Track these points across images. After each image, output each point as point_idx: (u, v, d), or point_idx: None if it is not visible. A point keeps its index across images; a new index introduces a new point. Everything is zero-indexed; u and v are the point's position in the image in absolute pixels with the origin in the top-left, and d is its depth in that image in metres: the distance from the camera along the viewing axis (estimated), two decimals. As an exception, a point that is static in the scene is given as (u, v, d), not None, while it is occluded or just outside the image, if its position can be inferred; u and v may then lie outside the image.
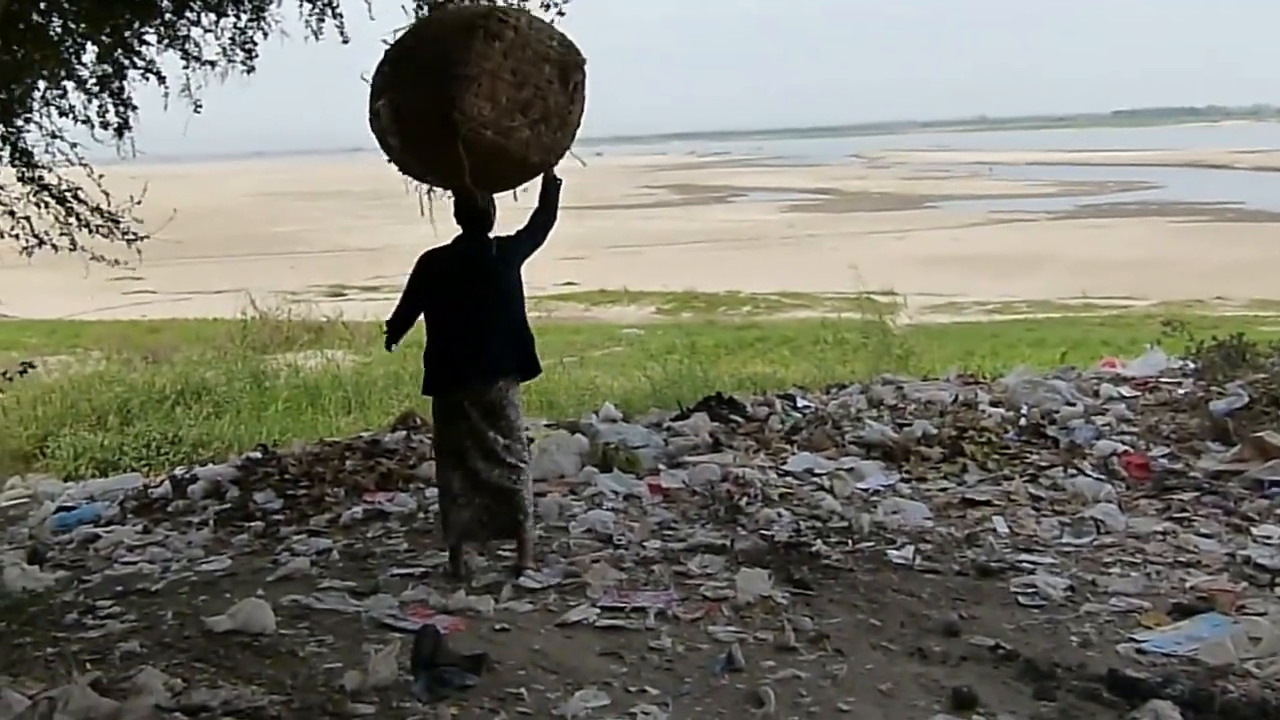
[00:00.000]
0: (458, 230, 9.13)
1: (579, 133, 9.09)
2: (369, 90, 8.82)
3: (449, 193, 9.23)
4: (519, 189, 9.30)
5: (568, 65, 8.71)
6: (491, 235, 9.10)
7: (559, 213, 9.33)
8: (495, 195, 9.14)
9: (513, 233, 9.21)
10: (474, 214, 9.00)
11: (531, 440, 12.12)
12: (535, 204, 9.28)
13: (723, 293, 48.50)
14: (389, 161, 9.01)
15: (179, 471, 14.28)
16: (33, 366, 13.88)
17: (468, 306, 9.01)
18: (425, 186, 9.53)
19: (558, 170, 9.19)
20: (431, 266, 9.15)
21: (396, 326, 9.32)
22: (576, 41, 8.91)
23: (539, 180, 9.19)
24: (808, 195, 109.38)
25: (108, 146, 12.97)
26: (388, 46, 9.00)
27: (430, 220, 9.48)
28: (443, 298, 9.09)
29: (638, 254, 64.19)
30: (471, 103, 8.17)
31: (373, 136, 8.98)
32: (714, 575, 8.82)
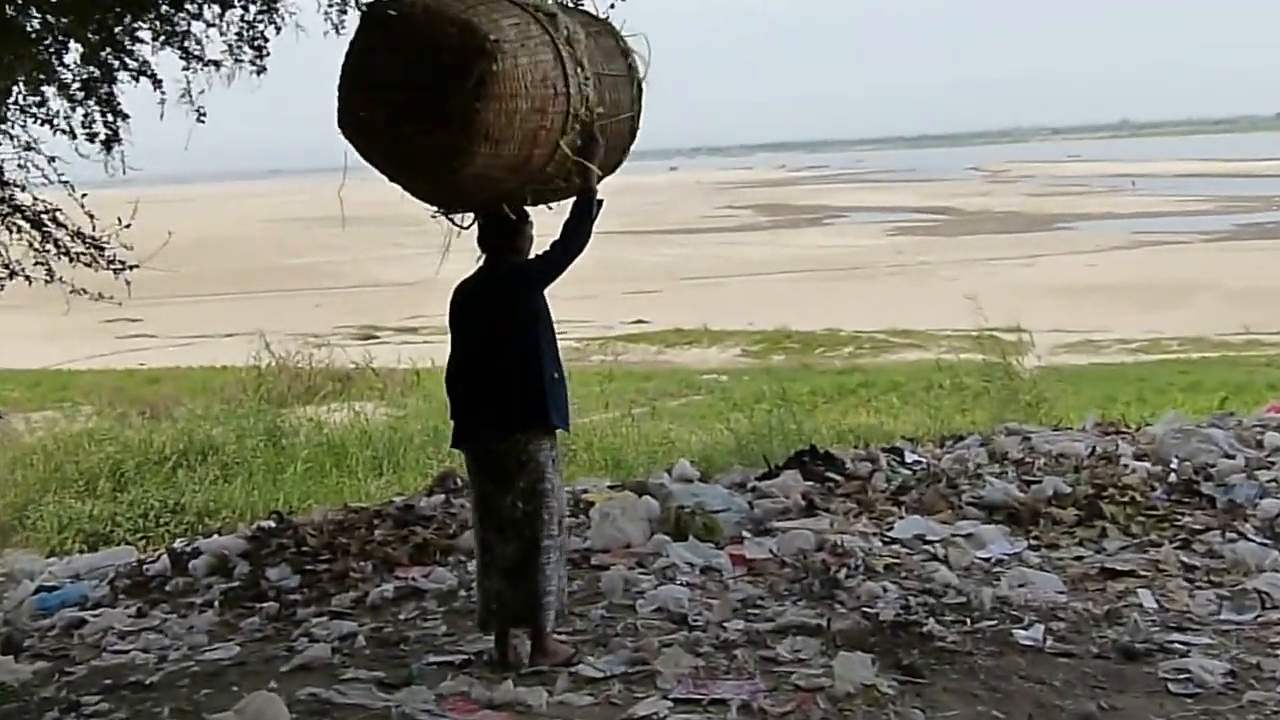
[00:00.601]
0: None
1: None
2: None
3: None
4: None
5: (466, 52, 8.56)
6: (519, 259, 9.07)
7: (591, 230, 9.07)
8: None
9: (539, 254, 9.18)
10: (495, 232, 9.07)
11: (591, 504, 12.16)
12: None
13: (820, 331, 48.57)
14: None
15: (179, 544, 14.32)
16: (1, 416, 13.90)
17: (479, 343, 9.07)
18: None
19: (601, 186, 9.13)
20: (454, 298, 9.19)
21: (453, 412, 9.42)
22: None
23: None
24: (919, 215, 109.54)
25: (94, 163, 12.97)
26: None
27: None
28: (460, 334, 9.13)
29: (719, 286, 64.31)
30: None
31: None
32: (807, 661, 8.76)
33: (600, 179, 8.93)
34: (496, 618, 9.01)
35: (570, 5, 9.59)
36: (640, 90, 9.08)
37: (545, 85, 8.35)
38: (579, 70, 8.51)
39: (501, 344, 8.93)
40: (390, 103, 8.47)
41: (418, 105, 8.33)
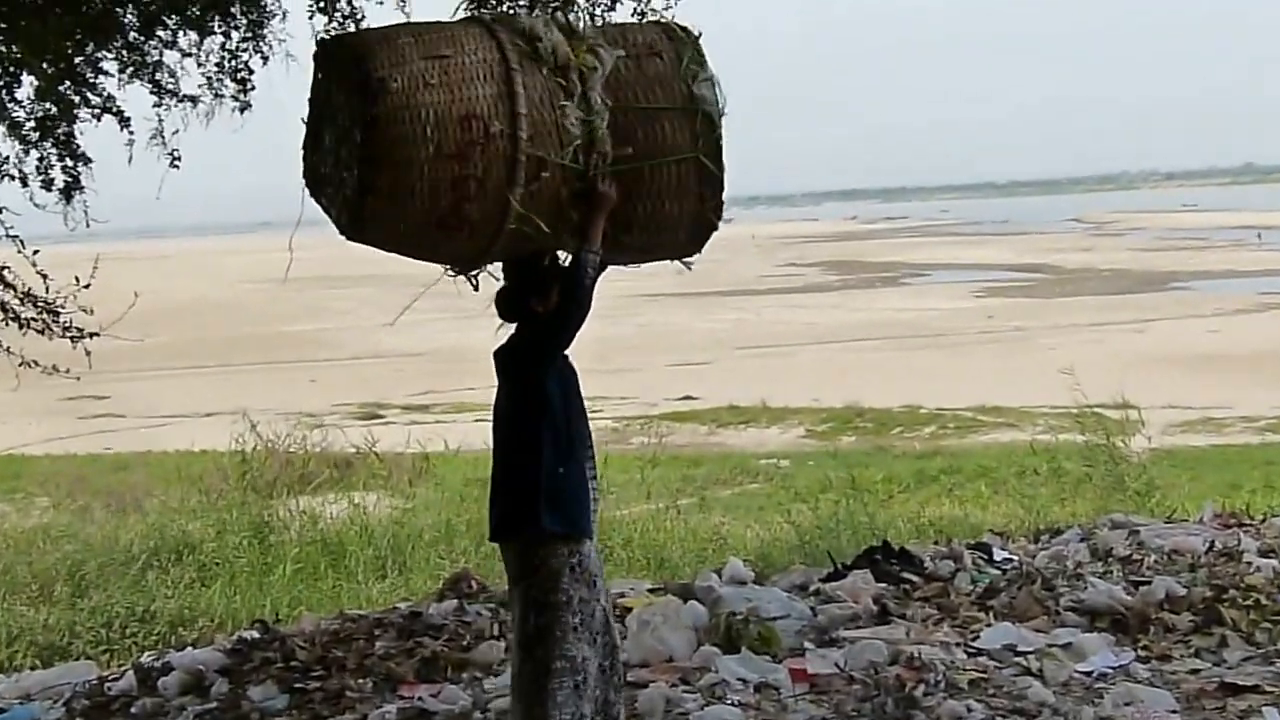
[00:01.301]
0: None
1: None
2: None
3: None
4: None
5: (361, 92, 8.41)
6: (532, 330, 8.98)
7: (583, 304, 8.65)
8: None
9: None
10: (508, 292, 8.98)
11: (628, 611, 12.12)
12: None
13: (896, 409, 48.59)
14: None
15: (148, 659, 14.28)
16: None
17: (494, 426, 9.03)
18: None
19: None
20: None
21: None
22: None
23: None
24: (1012, 274, 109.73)
25: (52, 214, 12.96)
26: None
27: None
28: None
29: (780, 357, 64.41)
30: None
31: None
32: (880, 792, 8.74)
33: (665, 243, 8.83)
34: None
35: (592, 22, 9.54)
36: (711, 124, 8.43)
37: (468, 127, 8.11)
38: (555, 107, 8.20)
39: (502, 429, 8.88)
40: (327, 149, 8.56)
41: (336, 151, 8.41)
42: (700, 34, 8.69)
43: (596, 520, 8.96)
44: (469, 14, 10.21)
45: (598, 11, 12.06)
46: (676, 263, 9.07)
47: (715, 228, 8.66)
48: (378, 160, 8.07)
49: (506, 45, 8.27)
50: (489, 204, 8.17)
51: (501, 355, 8.82)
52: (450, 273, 9.04)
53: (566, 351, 8.81)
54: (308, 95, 8.78)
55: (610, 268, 8.96)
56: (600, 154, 8.21)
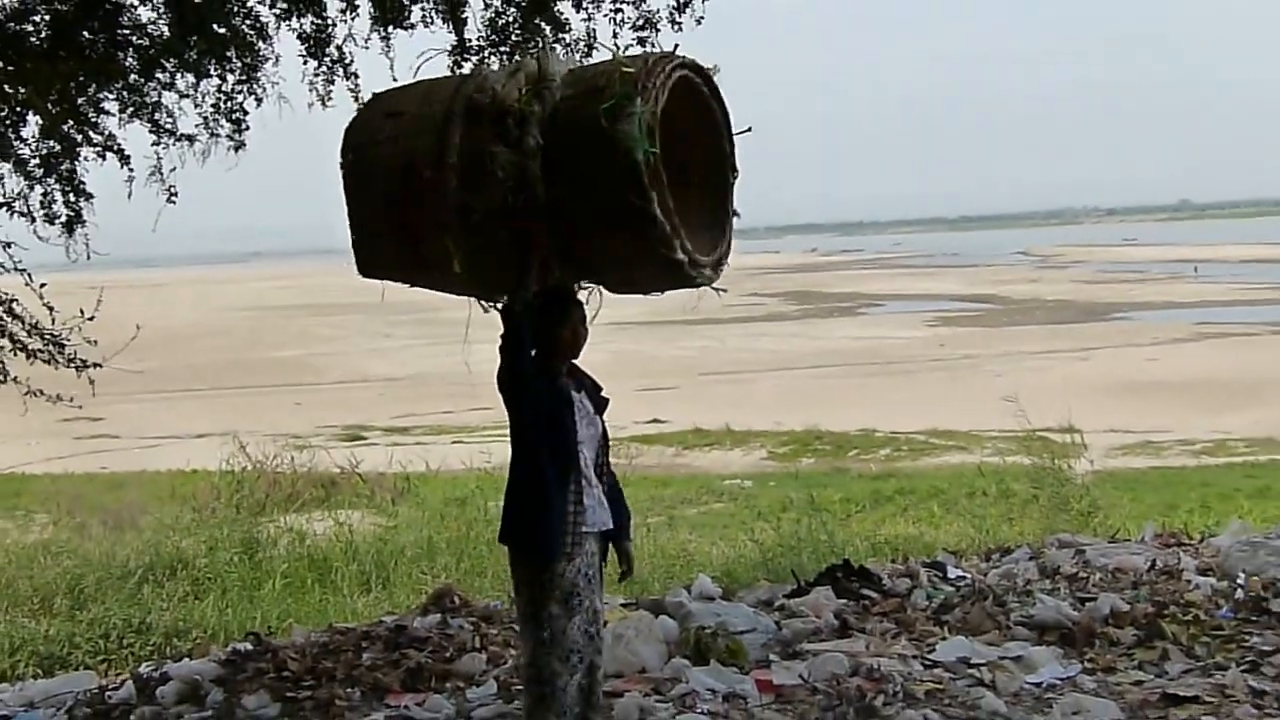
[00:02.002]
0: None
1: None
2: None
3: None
4: None
5: None
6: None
7: (506, 354, 8.65)
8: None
9: None
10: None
11: (605, 623, 12.12)
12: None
13: (853, 432, 48.65)
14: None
15: (145, 669, 14.25)
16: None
17: None
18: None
19: None
20: None
21: None
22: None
23: None
24: (962, 305, 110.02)
25: (54, 247, 12.94)
26: None
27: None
28: None
29: (743, 383, 64.50)
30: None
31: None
32: (842, 798, 8.77)
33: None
34: None
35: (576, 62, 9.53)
36: (628, 159, 7.82)
37: (408, 177, 8.27)
38: (491, 152, 8.08)
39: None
40: None
41: None
42: (645, 69, 8.06)
43: (588, 539, 8.85)
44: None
45: (577, 55, 12.10)
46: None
47: (681, 264, 8.14)
48: (351, 209, 8.48)
49: (457, 97, 8.32)
50: (440, 246, 8.23)
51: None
52: (484, 306, 9.03)
53: (563, 382, 8.83)
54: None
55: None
56: (532, 195, 8.07)
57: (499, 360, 8.55)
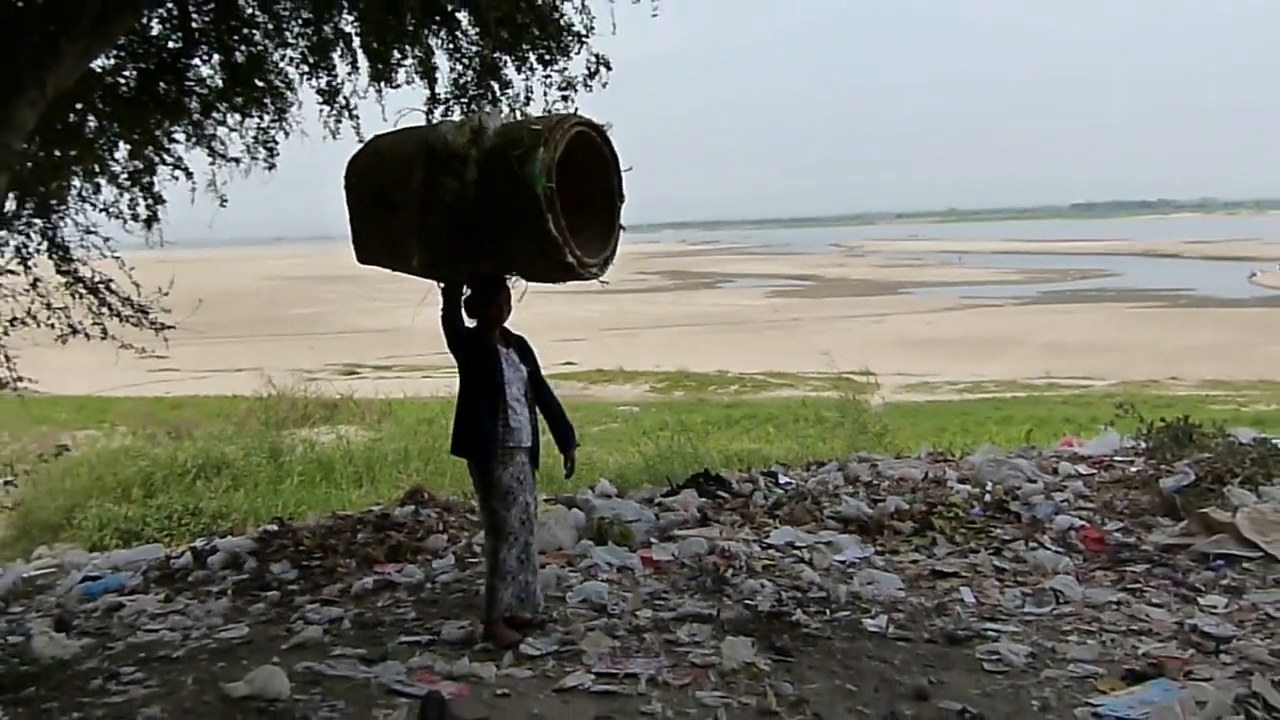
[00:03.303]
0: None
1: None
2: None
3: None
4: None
5: None
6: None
7: (444, 319, 9.09)
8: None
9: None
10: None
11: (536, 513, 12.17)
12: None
13: (712, 373, 48.57)
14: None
15: (199, 543, 14.18)
16: (67, 449, 13.75)
17: None
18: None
19: None
20: None
21: None
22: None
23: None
24: (791, 281, 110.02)
25: (136, 236, 12.95)
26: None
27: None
28: None
29: (633, 336, 64.37)
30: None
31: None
32: (701, 643, 8.78)
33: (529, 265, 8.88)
34: None
35: (513, 120, 9.61)
36: (530, 190, 8.21)
37: (382, 199, 8.66)
38: (441, 182, 8.49)
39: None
40: None
41: None
42: (549, 128, 8.49)
43: (516, 452, 9.04)
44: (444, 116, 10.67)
45: (530, 109, 12.26)
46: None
47: (570, 265, 8.45)
48: (350, 218, 8.91)
49: (419, 143, 8.66)
50: (406, 245, 8.60)
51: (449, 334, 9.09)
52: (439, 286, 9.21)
53: (491, 340, 9.14)
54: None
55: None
56: (469, 214, 8.48)
57: (440, 322, 8.92)
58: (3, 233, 11.96)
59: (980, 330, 62.06)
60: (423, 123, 10.15)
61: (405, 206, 8.53)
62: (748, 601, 9.89)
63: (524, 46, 12.14)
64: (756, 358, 51.40)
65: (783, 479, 15.12)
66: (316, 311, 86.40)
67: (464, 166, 8.44)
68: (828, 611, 9.61)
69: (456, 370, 9.16)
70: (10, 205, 11.82)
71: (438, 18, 12.14)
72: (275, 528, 14.08)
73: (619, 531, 12.18)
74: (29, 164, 11.40)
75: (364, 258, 9.09)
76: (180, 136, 12.91)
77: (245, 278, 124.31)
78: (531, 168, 8.22)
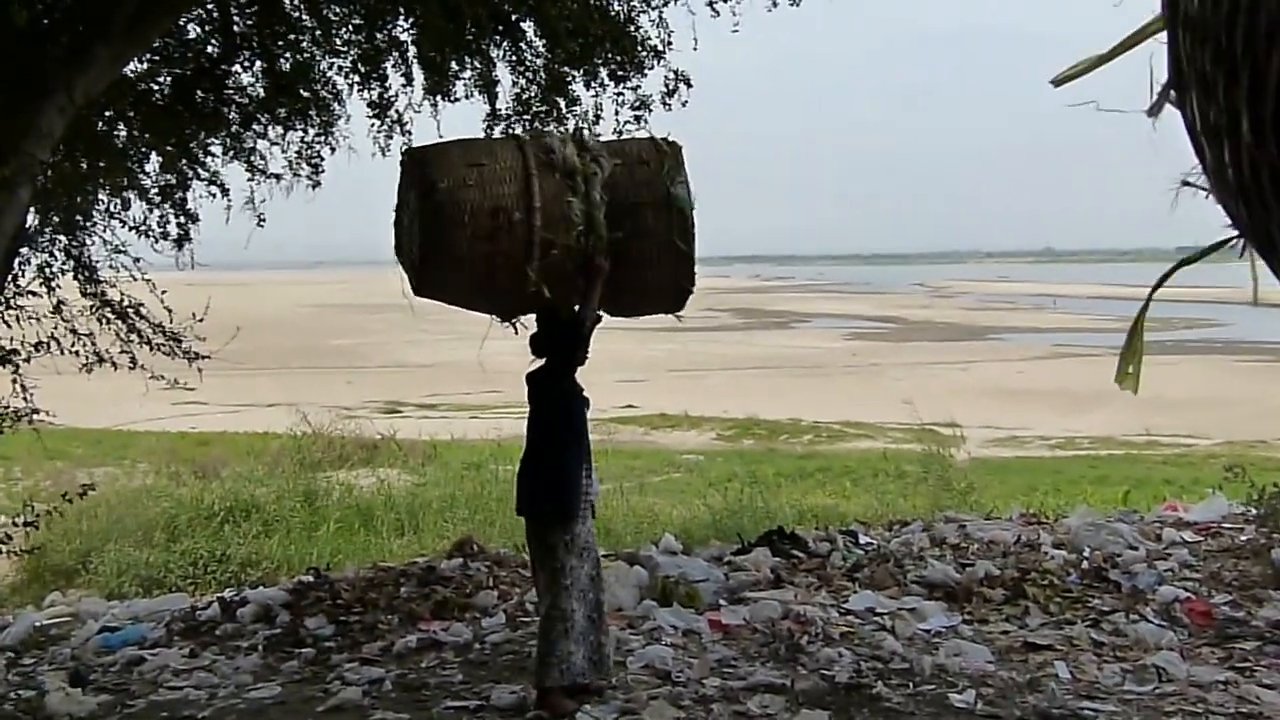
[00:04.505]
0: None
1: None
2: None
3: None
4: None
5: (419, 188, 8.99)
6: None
7: (573, 354, 9.28)
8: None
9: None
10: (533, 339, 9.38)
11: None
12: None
13: (784, 420, 48.38)
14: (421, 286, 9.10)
15: (228, 593, 14.21)
16: (92, 489, 13.78)
17: (530, 430, 9.43)
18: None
19: None
20: None
21: None
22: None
23: None
24: (871, 323, 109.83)
25: (165, 257, 12.98)
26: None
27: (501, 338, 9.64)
28: None
29: (699, 378, 64.31)
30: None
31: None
32: (774, 715, 8.76)
33: (646, 299, 9.33)
34: None
35: (598, 139, 9.65)
36: (683, 216, 8.83)
37: (496, 217, 8.49)
38: (563, 202, 8.58)
39: (533, 432, 9.33)
40: (405, 227, 9.04)
41: (410, 230, 8.89)
42: (681, 147, 9.02)
43: (590, 506, 9.18)
44: (506, 134, 10.73)
45: (599, 128, 12.23)
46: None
47: (690, 292, 9.10)
48: (432, 240, 8.52)
49: (529, 156, 8.62)
50: (514, 273, 8.54)
51: (536, 378, 9.10)
52: (499, 322, 9.33)
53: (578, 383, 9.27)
54: (395, 186, 9.20)
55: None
56: (597, 236, 8.59)
57: (547, 359, 9.17)
58: (25, 250, 11.99)
59: (1075, 381, 61.57)
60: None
61: (525, 228, 8.55)
62: (824, 671, 9.88)
63: (595, 61, 12.12)
64: (832, 405, 51.23)
65: (863, 539, 15.10)
66: (357, 343, 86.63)
67: (589, 185, 8.65)
68: (911, 685, 9.58)
69: (532, 414, 9.27)
70: (33, 220, 11.87)
71: (501, 27, 12.14)
72: (311, 579, 14.10)
73: (685, 592, 12.19)
74: (51, 175, 11.43)
75: (431, 289, 9.02)
76: (217, 149, 12.97)
77: (281, 304, 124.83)
78: (681, 190, 8.68)
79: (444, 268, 8.69)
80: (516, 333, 9.57)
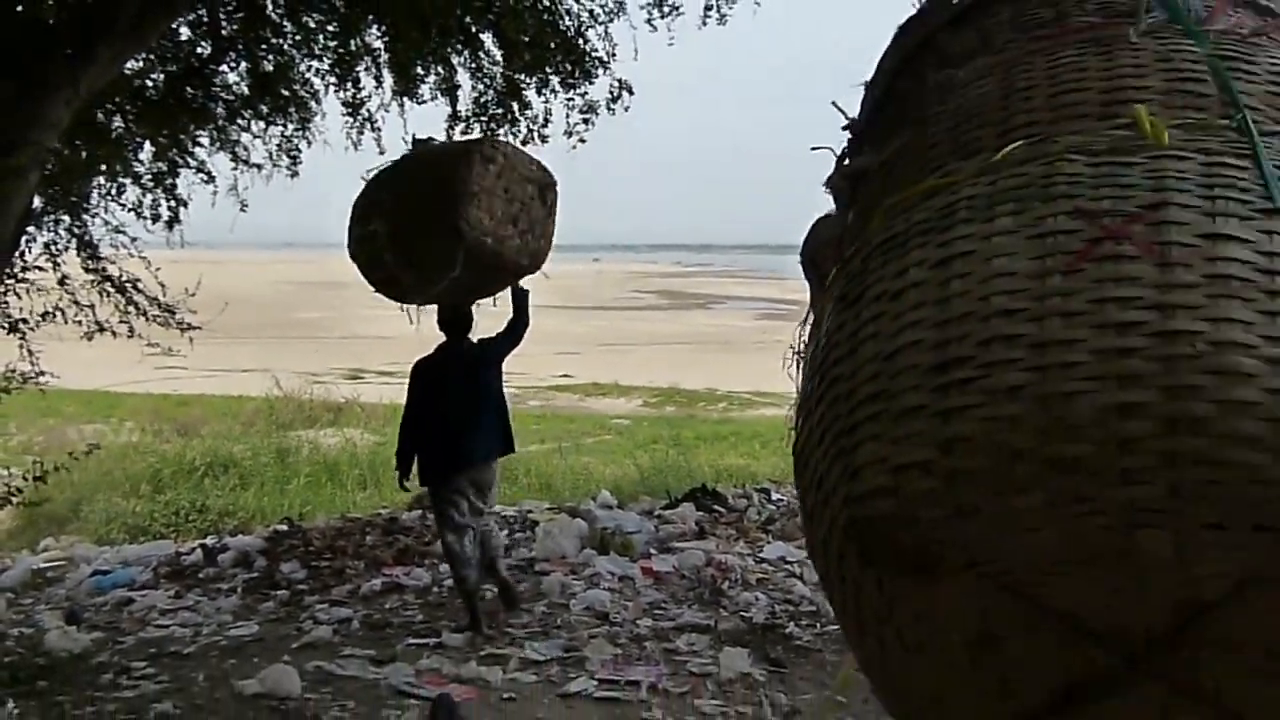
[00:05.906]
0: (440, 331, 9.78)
1: (560, 240, 9.50)
2: (353, 217, 9.10)
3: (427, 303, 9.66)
4: (498, 296, 9.59)
5: (545, 185, 9.21)
6: (472, 337, 9.68)
7: (530, 317, 9.64)
8: (478, 301, 9.53)
9: (493, 335, 9.73)
10: (458, 320, 9.32)
11: (536, 523, 12.25)
12: (511, 312, 9.68)
13: (702, 390, 48.41)
14: (371, 283, 9.25)
15: (209, 541, 14.14)
16: (98, 447, 13.70)
17: (462, 402, 9.21)
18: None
19: (526, 282, 9.60)
20: (426, 374, 9.41)
21: (405, 458, 9.57)
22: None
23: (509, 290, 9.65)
24: (779, 305, 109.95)
25: (157, 236, 12.94)
26: (375, 175, 9.31)
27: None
28: (439, 397, 9.31)
29: (627, 352, 64.29)
30: (475, 215, 8.41)
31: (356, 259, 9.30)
32: (699, 653, 8.79)
33: (537, 268, 9.44)
34: (481, 569, 9.62)
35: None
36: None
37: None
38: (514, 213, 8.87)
39: (483, 400, 9.18)
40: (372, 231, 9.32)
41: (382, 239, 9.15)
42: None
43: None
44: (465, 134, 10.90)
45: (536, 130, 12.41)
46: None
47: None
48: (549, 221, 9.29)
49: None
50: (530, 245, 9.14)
51: (484, 346, 9.38)
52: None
53: None
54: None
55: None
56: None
57: (526, 322, 9.66)
58: (32, 229, 11.89)
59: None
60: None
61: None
62: (743, 613, 9.92)
63: (547, 70, 12.13)
64: (744, 377, 51.23)
65: (774, 495, 15.19)
66: (321, 316, 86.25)
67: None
68: (819, 624, 9.60)
69: (493, 379, 9.73)
70: (40, 202, 11.78)
71: (463, 37, 12.13)
72: (285, 528, 14.09)
73: (620, 542, 12.22)
74: (57, 161, 11.36)
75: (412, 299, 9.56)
76: (205, 140, 12.93)
77: (256, 280, 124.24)
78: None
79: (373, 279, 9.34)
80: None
